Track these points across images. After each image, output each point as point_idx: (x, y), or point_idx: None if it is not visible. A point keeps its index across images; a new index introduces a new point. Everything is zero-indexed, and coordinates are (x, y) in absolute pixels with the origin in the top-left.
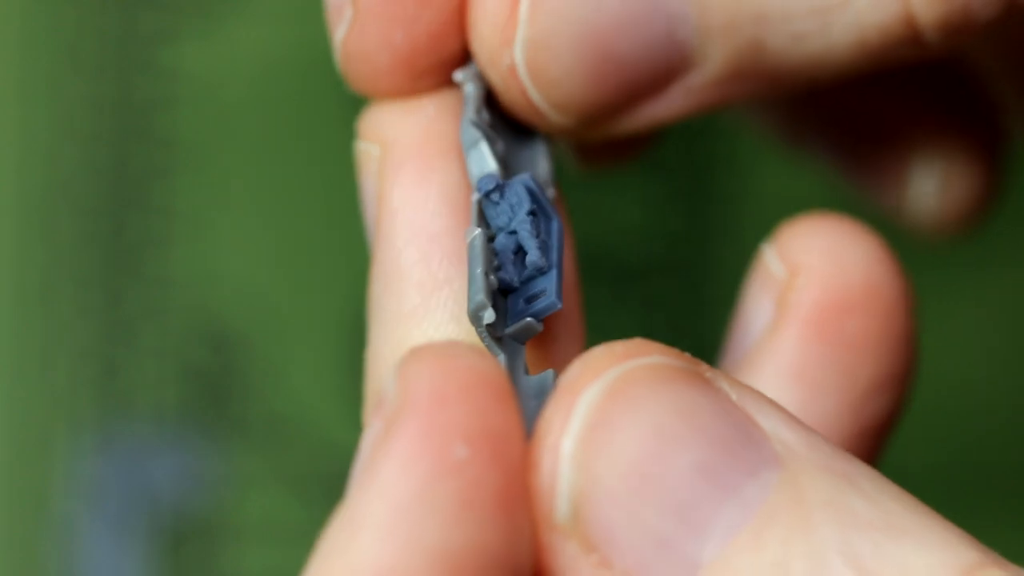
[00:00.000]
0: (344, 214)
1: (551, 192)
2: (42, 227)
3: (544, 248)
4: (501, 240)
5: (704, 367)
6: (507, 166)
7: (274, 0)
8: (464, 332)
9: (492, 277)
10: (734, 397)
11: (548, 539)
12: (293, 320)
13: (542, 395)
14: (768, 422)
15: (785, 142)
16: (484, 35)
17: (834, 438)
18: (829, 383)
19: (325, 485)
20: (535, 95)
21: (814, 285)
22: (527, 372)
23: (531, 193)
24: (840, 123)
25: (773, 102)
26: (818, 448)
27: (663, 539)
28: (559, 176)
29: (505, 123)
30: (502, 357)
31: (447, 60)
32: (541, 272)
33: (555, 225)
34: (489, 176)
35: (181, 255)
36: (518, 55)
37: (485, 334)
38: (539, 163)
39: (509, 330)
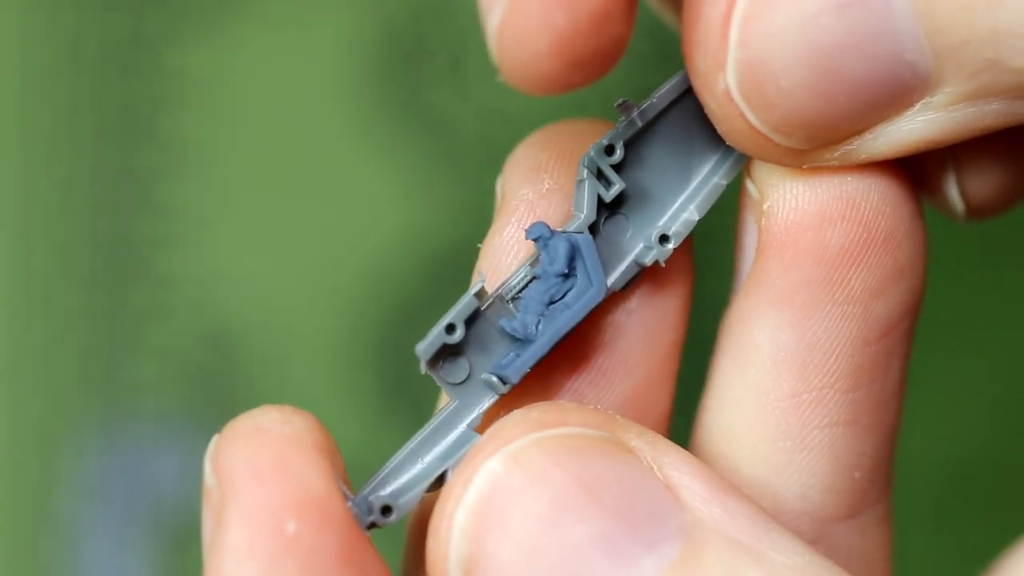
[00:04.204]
0: (347, 215)
1: (668, 245)
2: (45, 227)
3: (548, 317)
4: (529, 287)
5: (632, 433)
6: (626, 203)
7: (277, 3)
8: None
9: (460, 330)
10: (655, 466)
11: None
12: (295, 320)
13: (451, 456)
14: (687, 491)
15: None
16: (696, 60)
17: (845, 351)
18: (819, 300)
19: None
20: (753, 118)
21: (783, 205)
22: (472, 427)
23: (572, 254)
24: None
25: None
26: (735, 518)
27: None
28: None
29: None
30: (455, 403)
31: (606, 49)
32: (525, 339)
33: (589, 295)
34: (540, 224)
35: (184, 255)
36: (731, 78)
37: (435, 377)
38: (684, 210)
39: (484, 376)
